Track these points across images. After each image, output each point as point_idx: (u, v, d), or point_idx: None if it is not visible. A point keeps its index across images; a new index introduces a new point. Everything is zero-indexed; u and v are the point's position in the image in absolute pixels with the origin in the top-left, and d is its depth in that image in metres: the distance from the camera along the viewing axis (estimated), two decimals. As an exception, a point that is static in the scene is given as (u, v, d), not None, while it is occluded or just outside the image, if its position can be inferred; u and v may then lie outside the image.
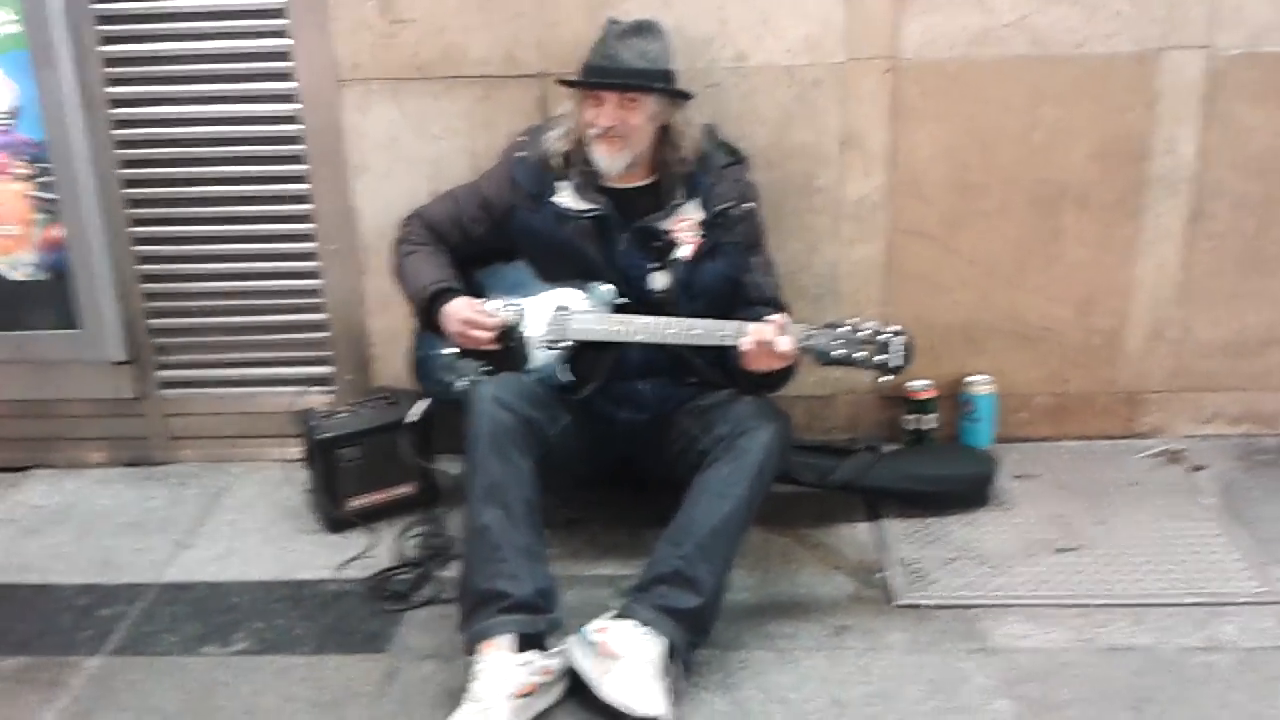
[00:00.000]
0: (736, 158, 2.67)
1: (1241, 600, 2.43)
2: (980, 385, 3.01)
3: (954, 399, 3.04)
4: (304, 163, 2.96)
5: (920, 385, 3.00)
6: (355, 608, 2.56)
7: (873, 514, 2.82)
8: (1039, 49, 2.78)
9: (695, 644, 2.26)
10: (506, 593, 2.20)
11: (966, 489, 2.83)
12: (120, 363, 3.11)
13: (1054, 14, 2.75)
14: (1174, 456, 2.99)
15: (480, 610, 2.21)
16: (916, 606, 2.47)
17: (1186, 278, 2.95)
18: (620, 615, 2.24)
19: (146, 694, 2.31)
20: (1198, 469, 2.94)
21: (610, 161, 2.50)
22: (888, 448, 2.96)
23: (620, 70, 2.45)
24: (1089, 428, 3.10)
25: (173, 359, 3.16)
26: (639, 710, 2.08)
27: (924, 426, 3.01)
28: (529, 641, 2.19)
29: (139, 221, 3.03)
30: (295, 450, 3.06)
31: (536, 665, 2.16)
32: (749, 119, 2.86)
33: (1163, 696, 2.17)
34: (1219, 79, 2.79)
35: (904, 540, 2.71)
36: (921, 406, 3.00)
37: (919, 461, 2.89)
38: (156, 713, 2.25)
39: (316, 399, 3.06)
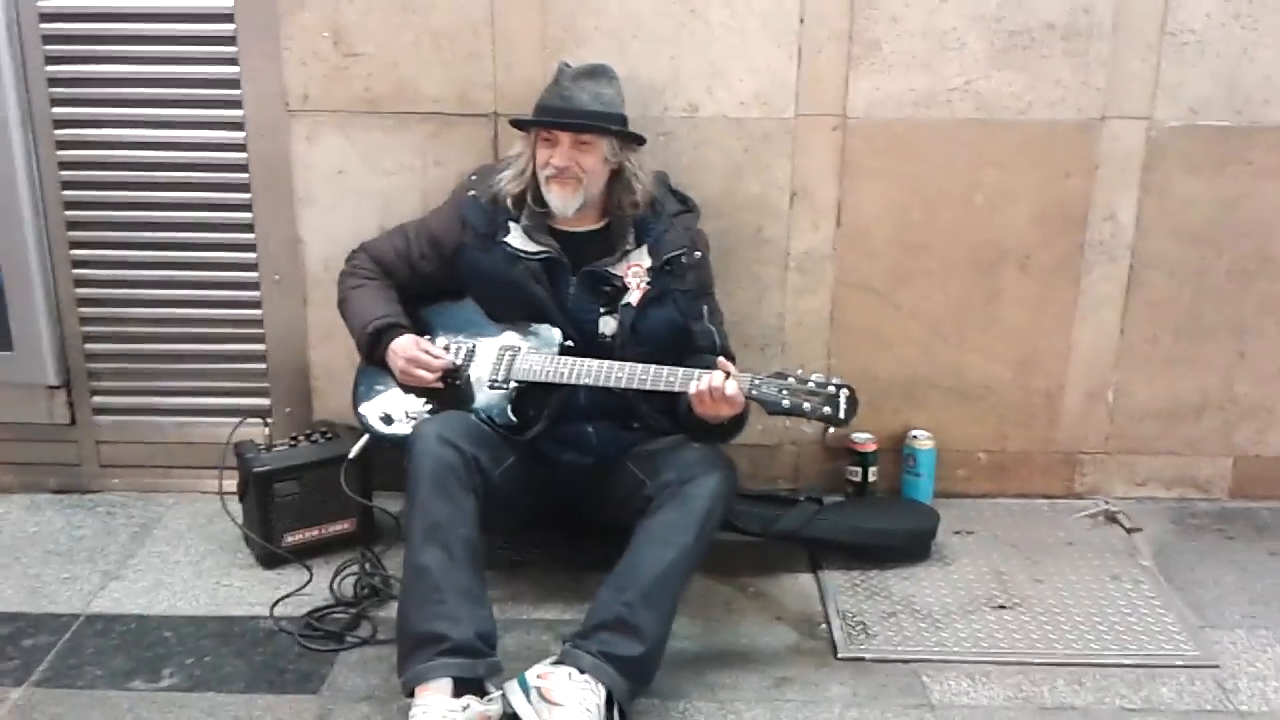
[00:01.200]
0: (687, 206, 2.69)
1: (1178, 663, 2.46)
2: (922, 440, 3.04)
3: (896, 453, 3.07)
4: (249, 192, 2.93)
5: (863, 438, 3.02)
6: (288, 646, 2.50)
7: (814, 565, 2.83)
8: (984, 113, 2.85)
9: (636, 693, 2.24)
10: (445, 635, 2.16)
11: (908, 543, 2.85)
12: (53, 386, 3.04)
13: (999, 80, 2.82)
14: (1111, 517, 3.04)
15: (418, 652, 2.17)
16: (859, 660, 2.47)
17: (1124, 343, 3.02)
18: (561, 661, 2.22)
19: (67, 730, 2.23)
20: (1133, 530, 2.98)
21: (564, 202, 2.50)
22: (830, 499, 2.97)
23: (576, 111, 2.46)
24: (1028, 486, 3.15)
25: (107, 385, 3.09)
26: (580, 760, 2.05)
27: (866, 479, 3.03)
28: (467, 685, 2.15)
29: (78, 244, 2.97)
30: (230, 483, 2.99)
31: (474, 710, 2.12)
32: (700, 169, 2.88)
33: (1098, 756, 2.20)
34: (1158, 150, 2.87)
35: (845, 592, 2.71)
36: (864, 459, 3.02)
37: (862, 514, 2.90)
38: (76, 751, 2.18)
39: (253, 431, 3.00)
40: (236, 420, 3.01)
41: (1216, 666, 2.46)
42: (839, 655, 2.49)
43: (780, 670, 2.44)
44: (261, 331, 3.04)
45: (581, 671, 2.17)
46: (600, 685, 2.16)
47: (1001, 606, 2.66)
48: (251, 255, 2.98)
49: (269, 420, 3.02)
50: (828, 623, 2.60)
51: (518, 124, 2.56)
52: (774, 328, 3.01)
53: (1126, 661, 2.47)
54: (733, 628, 2.59)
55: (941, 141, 2.86)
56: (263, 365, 3.07)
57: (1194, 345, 3.02)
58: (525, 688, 2.18)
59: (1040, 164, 2.88)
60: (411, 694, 2.15)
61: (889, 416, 3.05)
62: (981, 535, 2.97)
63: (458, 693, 2.13)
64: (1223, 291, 2.97)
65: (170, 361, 3.07)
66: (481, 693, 2.18)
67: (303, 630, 2.54)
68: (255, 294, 3.01)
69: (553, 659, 2.25)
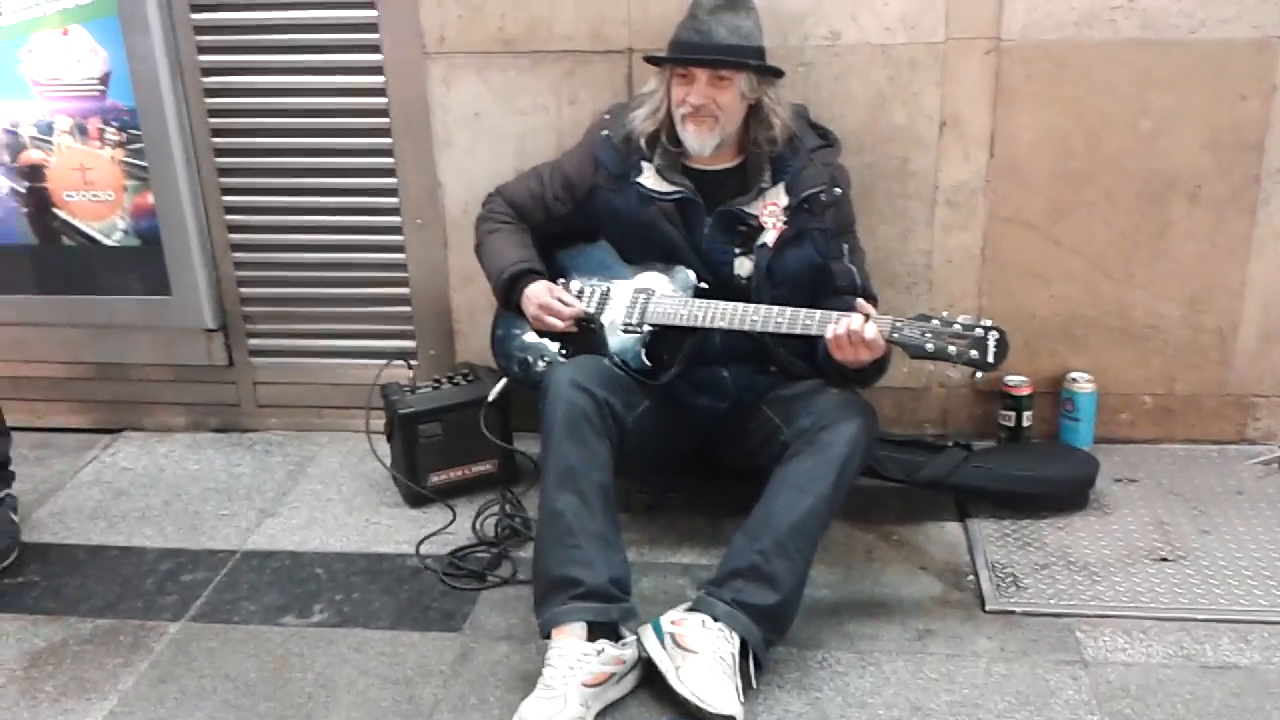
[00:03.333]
0: (827, 140, 2.58)
1: (1353, 622, 2.30)
2: (1081, 383, 2.88)
3: (1053, 396, 2.93)
4: (389, 136, 2.95)
5: (1017, 381, 2.88)
6: (432, 584, 2.55)
7: (963, 514, 2.73)
8: (1150, 33, 2.64)
9: (771, 641, 2.21)
10: (579, 580, 2.16)
11: (1064, 491, 2.72)
12: (210, 330, 3.14)
13: (1168, -5, 2.62)
14: (1285, 464, 2.85)
15: (553, 596, 2.18)
16: (1007, 613, 2.38)
17: (1304, 277, 2.80)
18: (695, 608, 2.20)
19: (223, 662, 2.32)
20: (1309, 478, 2.79)
21: (700, 142, 2.43)
22: (981, 445, 2.85)
23: (713, 46, 2.37)
24: (1195, 431, 2.96)
25: (261, 328, 3.19)
26: (714, 709, 2.03)
27: (1020, 424, 2.90)
28: (601, 630, 2.16)
29: (229, 190, 3.05)
30: (377, 423, 3.08)
31: (609, 654, 2.13)
32: (841, 100, 2.77)
33: (1265, 719, 2.06)
34: (1347, 67, 2.62)
35: (994, 542, 2.61)
36: (1018, 403, 2.89)
37: (1014, 461, 2.77)
38: (232, 681, 2.27)
39: (399, 373, 3.06)
40: (382, 362, 3.09)
41: (1402, 627, 2.28)
42: (986, 608, 2.40)
43: (923, 622, 2.37)
44: (406, 275, 3.07)
45: (715, 619, 2.15)
46: (734, 634, 2.14)
47: (1164, 559, 2.52)
48: (394, 200, 3.00)
49: (413, 363, 3.06)
50: (975, 574, 2.51)
51: (653, 60, 2.49)
52: (921, 265, 2.89)
53: (1299, 620, 2.32)
54: (874, 576, 2.53)
55: (1104, 64, 2.67)
56: (407, 308, 3.11)
57: (1384, 279, 2.78)
58: (660, 633, 2.18)
59: (1212, 86, 2.66)
60: (548, 636, 2.17)
61: (1045, 358, 2.91)
62: (1145, 483, 2.82)
63: (592, 636, 2.14)
64: None
65: (320, 305, 3.14)
66: (616, 636, 2.18)
67: (446, 569, 2.59)
68: (399, 238, 3.04)
69: (687, 605, 2.24)
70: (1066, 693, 2.15)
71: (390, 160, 2.96)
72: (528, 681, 2.18)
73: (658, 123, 2.49)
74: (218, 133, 2.99)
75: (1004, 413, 2.93)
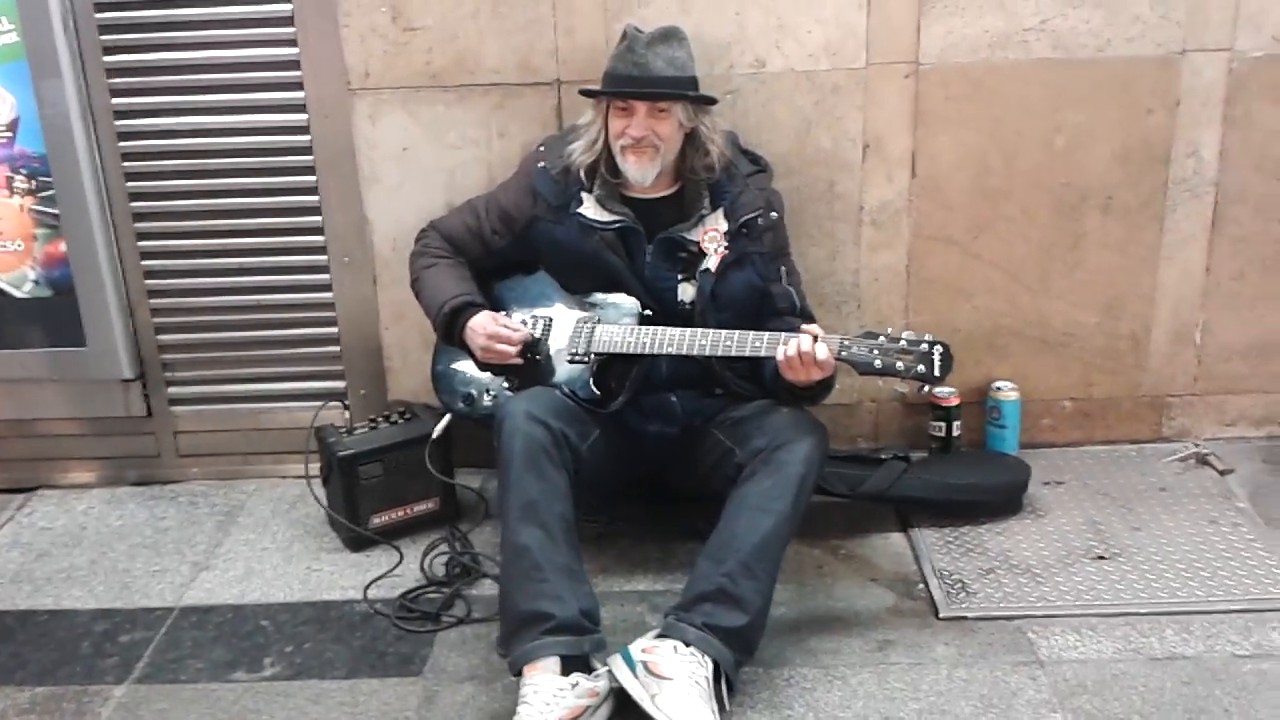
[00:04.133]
0: (760, 166, 2.63)
1: (1286, 606, 2.42)
2: (1006, 391, 2.98)
3: (978, 405, 3.02)
4: (314, 174, 2.90)
5: (946, 392, 2.96)
6: (385, 629, 2.50)
7: (904, 524, 2.79)
8: (1061, 52, 2.76)
9: (741, 662, 2.22)
10: (550, 614, 2.14)
11: (1000, 497, 2.80)
12: (128, 380, 3.04)
13: (1076, 17, 2.73)
14: (1202, 459, 2.97)
15: (523, 632, 2.15)
16: (960, 619, 2.44)
17: (1210, 281, 2.94)
18: (664, 634, 2.20)
19: (176, 724, 2.24)
20: (1225, 472, 2.92)
21: (641, 172, 2.45)
22: (915, 455, 2.92)
23: (651, 79, 2.40)
24: (1115, 432, 3.09)
25: (181, 375, 3.09)
26: (694, 732, 2.03)
27: (951, 434, 2.98)
28: (574, 663, 2.14)
29: (145, 235, 2.95)
30: (308, 467, 3.02)
31: (583, 688, 2.11)
32: (768, 126, 2.82)
33: (1217, 707, 2.15)
34: (1240, 82, 2.78)
35: (939, 550, 2.67)
36: (948, 414, 2.97)
37: (950, 470, 2.85)
38: (188, 744, 2.19)
39: (330, 415, 2.99)
40: (312, 404, 3.03)
41: (1328, 609, 2.41)
42: (940, 615, 2.45)
43: (882, 633, 2.41)
44: (334, 314, 3.02)
45: (687, 644, 2.15)
46: (707, 657, 2.14)
47: (1101, 557, 2.62)
48: (320, 238, 2.95)
49: (348, 403, 3.00)
50: (925, 582, 2.57)
51: (591, 93, 2.50)
52: (849, 284, 2.96)
53: (1234, 607, 2.42)
54: (828, 591, 2.56)
55: (1019, 84, 2.78)
56: (336, 348, 3.05)
57: (1281, 280, 2.94)
58: (630, 662, 2.16)
59: (1121, 102, 2.80)
60: (519, 673, 2.14)
61: (971, 369, 2.99)
62: (1072, 485, 2.92)
63: (565, 670, 2.12)
64: (1311, 224, 2.89)
65: (243, 349, 3.05)
66: (588, 669, 2.16)
67: (398, 612, 2.54)
68: (325, 277, 2.98)
69: (655, 633, 2.23)
70: (1027, 693, 2.21)
71: (315, 199, 2.91)
72: (498, 721, 2.16)
73: (596, 154, 2.50)
74: (132, 176, 2.89)
75: (934, 424, 3.01)
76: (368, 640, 2.47)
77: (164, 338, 3.04)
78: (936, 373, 2.26)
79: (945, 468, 2.87)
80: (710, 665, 2.14)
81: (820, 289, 2.92)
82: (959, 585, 2.54)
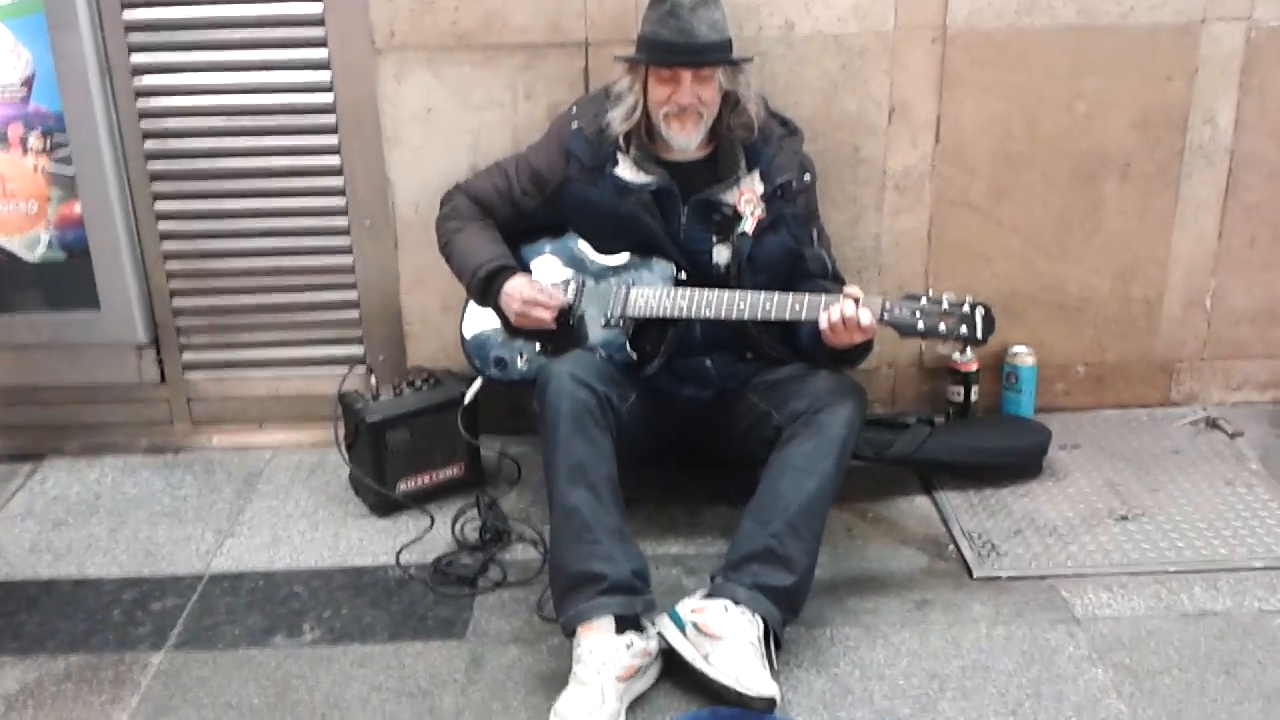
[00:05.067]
0: (790, 129, 2.62)
1: (1308, 563, 2.48)
2: (1023, 356, 3.02)
3: (995, 370, 3.05)
4: (336, 134, 2.85)
5: (965, 357, 2.99)
6: (422, 594, 2.49)
7: (927, 487, 2.82)
8: (1085, 18, 2.79)
9: (788, 622, 2.24)
10: (603, 574, 2.15)
11: (1022, 460, 2.84)
12: (142, 345, 2.99)
13: (1101, -16, 2.77)
14: (1213, 423, 3.03)
15: (577, 592, 2.16)
16: (994, 579, 2.47)
17: (1222, 247, 2.99)
18: (713, 594, 2.21)
19: (221, 689, 2.21)
20: (1235, 435, 2.98)
21: (687, 139, 2.45)
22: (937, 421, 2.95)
23: (699, 46, 2.37)
24: (1125, 396, 3.14)
25: (196, 340, 3.04)
26: (754, 691, 2.04)
27: (969, 399, 3.01)
28: (626, 623, 2.15)
29: (162, 196, 2.90)
30: (325, 433, 2.99)
31: (637, 647, 2.12)
32: (795, 89, 2.82)
33: (1251, 660, 2.21)
34: (1257, 51, 2.82)
35: (965, 513, 2.71)
36: (966, 379, 3.00)
37: (974, 434, 2.89)
38: (235, 709, 2.16)
39: (350, 381, 2.96)
40: (329, 370, 3.01)
41: (1347, 565, 2.48)
42: (974, 575, 2.49)
43: (918, 593, 2.44)
44: (353, 279, 2.98)
45: (737, 603, 2.17)
46: (757, 616, 2.16)
47: (1124, 518, 2.66)
48: (340, 200, 2.91)
49: (372, 369, 2.97)
50: (955, 544, 2.60)
51: (635, 61, 2.44)
52: (871, 249, 2.97)
53: (1257, 564, 2.48)
54: (860, 553, 2.59)
55: (1043, 49, 2.81)
56: (355, 313, 3.02)
57: (1291, 247, 3.00)
58: (679, 623, 2.18)
59: (1141, 69, 2.83)
60: (572, 633, 2.15)
61: (989, 333, 3.03)
62: (1087, 448, 2.97)
63: (619, 630, 2.13)
64: (1321, 192, 2.95)
65: (260, 313, 3.01)
66: (639, 629, 2.17)
67: (434, 577, 2.53)
68: (345, 240, 2.94)
69: (703, 593, 2.25)
70: (1067, 649, 2.26)
71: (336, 160, 2.87)
72: (547, 682, 2.17)
73: (634, 122, 2.48)
74: (150, 135, 2.84)
75: (953, 388, 3.04)
76: (406, 605, 2.46)
77: (179, 302, 2.99)
78: (979, 334, 2.28)
79: (969, 432, 2.91)
80: (760, 624, 2.16)
81: (842, 253, 2.91)
82: (989, 546, 2.58)
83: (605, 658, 2.08)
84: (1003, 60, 2.82)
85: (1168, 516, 2.66)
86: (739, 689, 2.05)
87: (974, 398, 3.02)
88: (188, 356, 3.05)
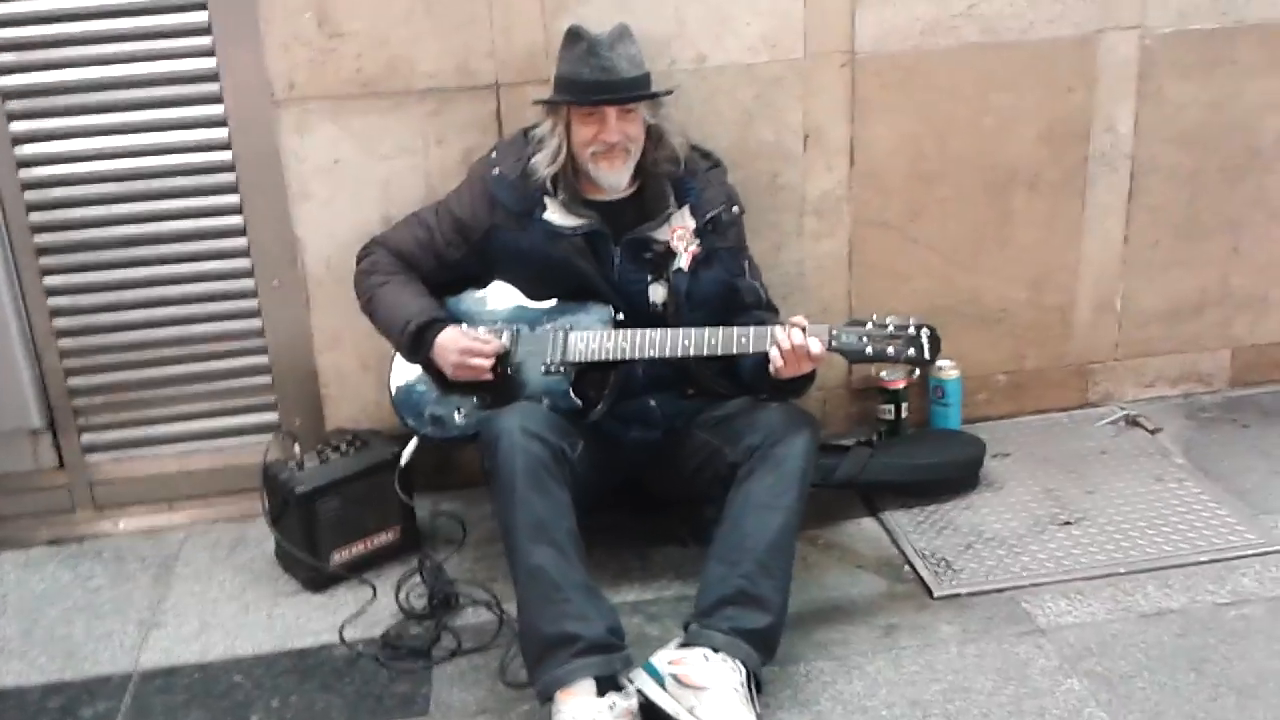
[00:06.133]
0: (713, 161, 2.60)
1: (1249, 553, 2.54)
2: (948, 370, 3.04)
3: (922, 386, 3.08)
4: (238, 193, 2.72)
5: (892, 375, 3.01)
6: (373, 671, 2.36)
7: (871, 508, 2.82)
8: (989, 36, 2.84)
9: (766, 663, 2.19)
10: (578, 635, 2.07)
11: (961, 473, 2.86)
12: (37, 429, 2.79)
13: (1001, 1, 2.81)
14: (1132, 421, 3.11)
15: (552, 656, 2.07)
16: (954, 596, 2.47)
17: (1128, 250, 3.08)
18: (689, 643, 2.15)
19: (173, 799, 2.06)
20: (1155, 431, 3.07)
21: (617, 177, 2.40)
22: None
23: (622, 83, 2.33)
24: (1044, 401, 3.20)
25: (97, 420, 2.85)
26: (744, 738, 1.99)
27: (900, 416, 3.03)
28: (606, 683, 2.07)
29: (51, 271, 2.72)
30: (241, 508, 2.86)
31: (620, 708, 2.04)
32: (711, 120, 2.80)
33: (1216, 655, 2.25)
34: (1151, 57, 2.91)
35: (913, 531, 2.71)
36: (895, 396, 3.02)
37: (913, 451, 2.90)
38: (192, 819, 2.01)
39: (255, 453, 2.80)
40: (241, 440, 2.91)
41: (1284, 550, 2.56)
42: (935, 595, 2.48)
43: (884, 618, 2.43)
44: (263, 342, 2.84)
45: (716, 651, 2.11)
46: (738, 662, 2.10)
47: (1067, 523, 2.70)
48: (245, 261, 2.77)
49: (296, 436, 2.81)
50: (910, 564, 2.60)
51: (570, 102, 2.37)
52: (794, 274, 2.97)
53: (1203, 558, 2.54)
54: (819, 582, 2.56)
55: (949, 68, 2.85)
56: (267, 378, 2.87)
57: (1192, 245, 3.10)
58: (657, 676, 2.11)
59: (1044, 82, 2.90)
60: (549, 700, 2.06)
61: (913, 350, 3.05)
62: (1018, 456, 3.01)
63: (600, 691, 2.05)
64: (1216, 190, 3.05)
65: (164, 386, 2.85)
66: (619, 688, 2.09)
67: (384, 652, 2.40)
68: (253, 302, 2.80)
69: (678, 642, 2.19)
70: (1038, 662, 2.26)
71: (239, 219, 2.73)
72: (523, 753, 2.08)
73: (560, 165, 2.42)
74: (35, 207, 2.65)
75: (883, 407, 3.05)
76: (359, 685, 2.32)
77: (75, 381, 2.80)
78: (926, 355, 2.28)
79: (907, 449, 2.92)
80: (743, 670, 2.10)
81: (767, 280, 2.85)
82: (943, 564, 2.58)
83: (588, 723, 2.00)
84: (911, 82, 2.85)
85: (1108, 518, 2.71)
86: (730, 738, 1.99)
87: (904, 414, 3.04)
88: (87, 438, 2.86)
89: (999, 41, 2.84)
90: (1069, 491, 2.83)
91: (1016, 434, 3.12)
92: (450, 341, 2.43)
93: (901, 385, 3.02)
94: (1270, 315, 3.21)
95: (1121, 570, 2.52)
